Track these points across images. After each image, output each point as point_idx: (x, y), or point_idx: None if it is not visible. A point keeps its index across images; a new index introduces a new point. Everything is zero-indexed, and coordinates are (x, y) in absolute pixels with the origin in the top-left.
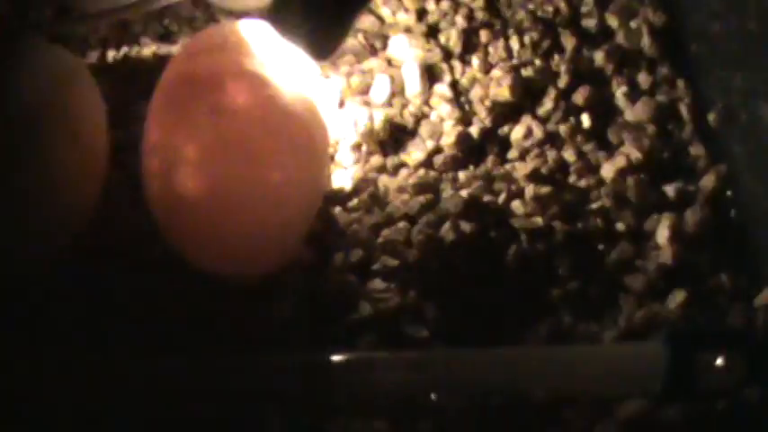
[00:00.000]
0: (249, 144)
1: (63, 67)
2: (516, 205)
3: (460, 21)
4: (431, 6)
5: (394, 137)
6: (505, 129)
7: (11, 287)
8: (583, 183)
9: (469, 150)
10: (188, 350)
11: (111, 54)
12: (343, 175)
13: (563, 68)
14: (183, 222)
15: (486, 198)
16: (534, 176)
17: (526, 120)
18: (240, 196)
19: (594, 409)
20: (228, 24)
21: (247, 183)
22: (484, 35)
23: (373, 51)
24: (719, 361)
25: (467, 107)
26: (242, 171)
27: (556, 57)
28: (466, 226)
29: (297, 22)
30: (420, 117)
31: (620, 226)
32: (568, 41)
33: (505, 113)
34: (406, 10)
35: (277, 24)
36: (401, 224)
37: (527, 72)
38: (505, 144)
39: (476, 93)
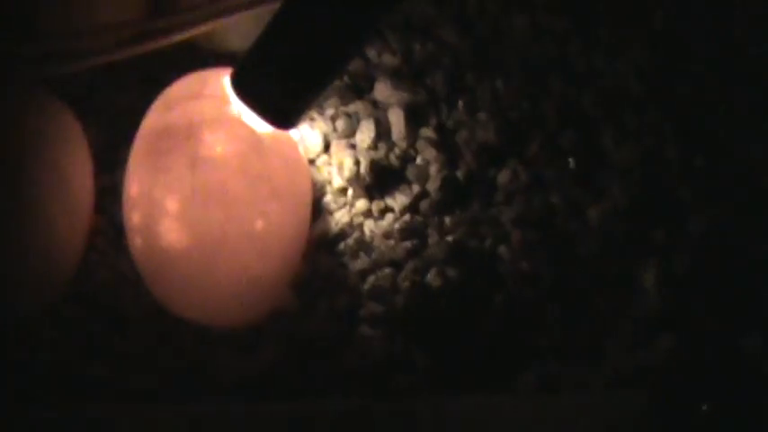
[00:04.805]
0: (229, 194)
1: (50, 114)
2: (503, 251)
3: (447, 62)
4: (417, 47)
5: (380, 181)
6: (491, 172)
7: None
8: (569, 227)
9: (456, 194)
10: (172, 398)
11: (96, 96)
12: (328, 220)
13: (550, 111)
14: (167, 274)
15: (473, 243)
16: (521, 221)
17: (512, 163)
18: (222, 247)
19: None
20: (206, 72)
21: (229, 233)
22: (470, 77)
23: (359, 93)
24: (706, 408)
25: (453, 150)
26: (223, 222)
27: (542, 99)
28: (452, 272)
29: (262, 88)
30: (406, 160)
31: (606, 271)
32: (555, 83)
33: (492, 157)
34: (393, 51)
35: (240, 87)
36: (387, 270)
37: (513, 114)
38: (492, 188)
39: (462, 136)
